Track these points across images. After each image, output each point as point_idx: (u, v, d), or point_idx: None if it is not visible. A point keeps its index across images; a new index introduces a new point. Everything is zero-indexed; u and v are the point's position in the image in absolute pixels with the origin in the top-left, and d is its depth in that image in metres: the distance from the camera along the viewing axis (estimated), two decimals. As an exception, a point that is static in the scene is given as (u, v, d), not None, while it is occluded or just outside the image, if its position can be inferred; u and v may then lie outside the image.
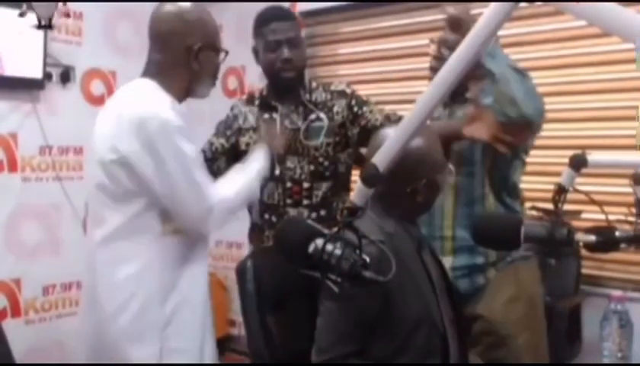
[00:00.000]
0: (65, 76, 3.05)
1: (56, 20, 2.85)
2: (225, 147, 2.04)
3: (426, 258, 1.51)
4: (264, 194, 1.92)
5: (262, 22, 1.97)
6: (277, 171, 1.89)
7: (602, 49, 2.46)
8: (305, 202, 1.96)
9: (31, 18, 2.65)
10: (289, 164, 1.96)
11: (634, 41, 0.66)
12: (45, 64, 2.87)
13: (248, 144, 1.98)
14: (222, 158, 2.03)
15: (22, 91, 2.88)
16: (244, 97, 2.11)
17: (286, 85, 1.97)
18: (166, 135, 1.47)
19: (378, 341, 1.39)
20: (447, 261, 1.79)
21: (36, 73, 2.84)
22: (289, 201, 1.97)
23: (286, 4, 3.42)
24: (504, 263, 1.80)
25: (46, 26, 2.66)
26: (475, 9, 2.74)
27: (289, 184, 1.96)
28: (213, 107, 3.52)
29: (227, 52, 1.70)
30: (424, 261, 1.49)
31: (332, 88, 2.04)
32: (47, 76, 2.93)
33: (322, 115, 1.98)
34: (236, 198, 1.62)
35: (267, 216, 2.00)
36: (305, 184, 1.96)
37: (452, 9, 1.71)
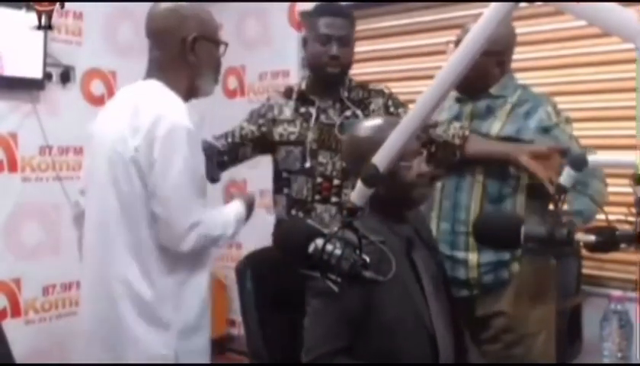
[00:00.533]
0: (65, 76, 3.05)
1: (55, 20, 2.86)
2: (255, 134, 2.04)
3: (416, 258, 1.51)
4: (292, 189, 1.95)
5: (317, 14, 1.97)
6: (308, 164, 1.91)
7: (602, 49, 2.46)
8: (334, 199, 1.94)
9: (31, 18, 2.65)
10: (322, 159, 1.94)
11: (634, 41, 0.66)
12: (45, 64, 2.87)
13: (281, 135, 1.99)
14: (249, 144, 2.04)
15: (22, 91, 2.88)
16: (282, 90, 2.10)
17: (328, 81, 1.98)
18: (177, 136, 1.46)
19: (363, 339, 1.39)
20: (472, 258, 1.83)
21: (36, 73, 2.84)
22: (317, 197, 1.95)
23: (287, 4, 3.44)
24: (527, 257, 1.82)
25: (46, 26, 2.67)
26: (475, 9, 2.75)
27: (319, 180, 1.94)
28: (214, 107, 3.54)
29: (226, 45, 1.68)
30: (414, 260, 1.50)
31: (370, 86, 2.06)
32: (47, 76, 2.93)
33: (358, 112, 1.98)
34: (214, 228, 1.57)
35: (293, 211, 1.98)
36: (336, 181, 1.94)
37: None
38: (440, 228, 1.89)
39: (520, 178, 1.81)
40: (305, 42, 2.03)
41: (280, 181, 2.00)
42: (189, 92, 1.61)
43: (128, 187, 1.50)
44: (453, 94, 2.02)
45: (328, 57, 1.91)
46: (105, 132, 1.58)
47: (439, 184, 1.91)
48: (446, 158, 1.84)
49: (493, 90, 1.90)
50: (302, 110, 2.00)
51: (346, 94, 1.99)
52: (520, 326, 1.81)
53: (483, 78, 1.86)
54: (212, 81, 1.67)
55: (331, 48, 1.91)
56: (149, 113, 1.48)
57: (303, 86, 2.03)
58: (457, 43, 1.78)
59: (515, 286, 1.83)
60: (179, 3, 1.60)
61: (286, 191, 1.97)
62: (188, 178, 1.48)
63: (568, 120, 1.87)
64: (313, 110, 1.98)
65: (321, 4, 2.03)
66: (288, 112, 2.02)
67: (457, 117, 1.95)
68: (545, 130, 1.80)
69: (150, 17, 1.61)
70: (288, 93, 2.07)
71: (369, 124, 1.56)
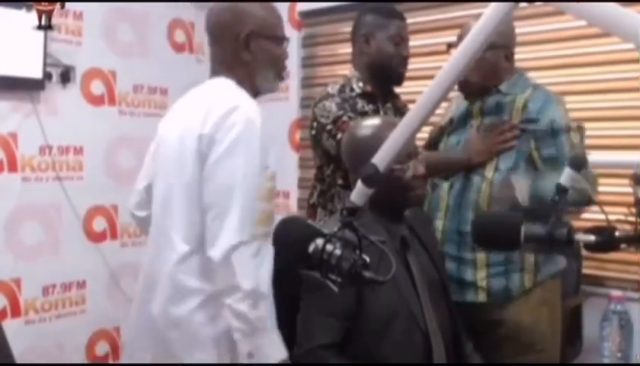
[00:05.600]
0: (65, 76, 3.04)
1: (55, 20, 2.85)
2: None
3: (410, 258, 1.52)
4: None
5: (388, 14, 2.04)
6: None
7: (602, 49, 2.46)
8: None
9: (31, 18, 2.65)
10: None
11: (634, 41, 0.66)
12: (45, 64, 2.86)
13: None
14: None
15: (22, 91, 2.88)
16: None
17: (398, 80, 2.06)
18: (249, 130, 1.41)
19: (354, 336, 1.40)
20: (480, 258, 1.81)
21: (36, 73, 2.84)
22: None
23: (287, 4, 3.44)
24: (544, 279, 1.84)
25: (46, 26, 2.67)
26: (475, 9, 2.75)
27: None
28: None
29: (287, 40, 1.62)
30: (407, 259, 1.50)
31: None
32: (47, 76, 2.93)
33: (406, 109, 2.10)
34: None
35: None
36: None
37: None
38: (445, 228, 1.89)
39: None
40: (366, 38, 2.03)
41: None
42: (252, 90, 1.56)
43: (190, 176, 1.44)
44: (457, 93, 2.03)
45: (402, 58, 2.02)
46: (174, 125, 1.54)
47: (445, 185, 1.92)
48: None
49: (503, 87, 1.90)
50: (368, 108, 2.02)
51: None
52: (526, 336, 1.79)
53: (493, 73, 1.88)
54: (273, 78, 1.60)
55: (405, 49, 2.02)
56: (221, 105, 1.43)
57: (362, 83, 2.04)
58: (459, 40, 1.79)
59: (525, 296, 1.81)
60: (233, 2, 1.57)
61: None
62: (250, 172, 1.39)
63: (580, 129, 1.88)
64: (381, 109, 2.05)
65: (385, 5, 2.10)
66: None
67: (466, 115, 1.97)
68: (554, 132, 1.80)
69: (208, 14, 1.59)
70: (342, 89, 2.05)
71: (369, 123, 1.57)
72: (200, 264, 1.42)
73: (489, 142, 1.83)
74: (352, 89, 2.03)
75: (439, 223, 1.90)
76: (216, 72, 1.58)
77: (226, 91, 1.50)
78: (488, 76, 1.87)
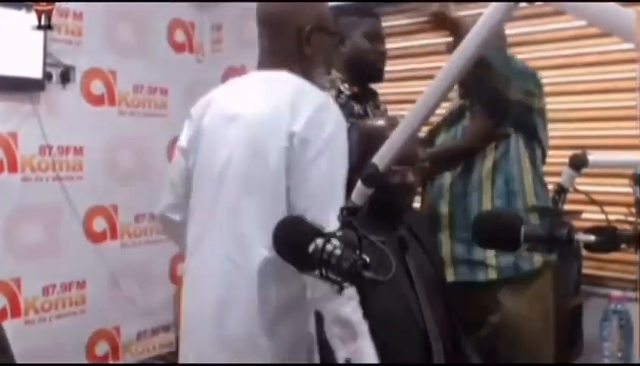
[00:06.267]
0: (65, 76, 3.05)
1: (55, 20, 2.86)
2: None
3: (408, 257, 1.52)
4: None
5: (361, 13, 2.06)
6: None
7: (602, 49, 2.46)
8: None
9: (31, 18, 2.65)
10: None
11: (633, 41, 0.65)
12: (45, 64, 2.87)
13: None
14: None
15: (22, 91, 2.88)
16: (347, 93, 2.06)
17: (377, 77, 2.07)
18: (340, 126, 1.37)
19: None
20: (490, 253, 1.86)
21: (36, 73, 2.84)
22: None
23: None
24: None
25: (46, 26, 2.67)
26: (475, 9, 2.75)
27: None
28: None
29: (342, 37, 1.62)
30: (405, 260, 1.51)
31: None
32: (47, 76, 2.93)
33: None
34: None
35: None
36: None
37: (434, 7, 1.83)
38: (451, 212, 1.93)
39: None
40: (341, 40, 2.00)
41: None
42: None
43: (274, 175, 1.34)
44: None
45: (379, 54, 2.00)
46: (236, 116, 1.42)
47: (448, 178, 1.96)
48: None
49: None
50: (357, 109, 2.02)
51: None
52: (521, 324, 1.83)
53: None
54: (324, 73, 1.58)
55: (380, 45, 2.01)
56: (311, 101, 1.36)
57: (345, 86, 2.03)
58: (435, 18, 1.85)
59: (534, 276, 1.88)
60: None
61: None
62: (342, 175, 1.34)
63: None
64: (368, 109, 2.04)
65: (356, 5, 2.11)
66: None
67: (461, 110, 2.03)
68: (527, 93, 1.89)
69: (265, 6, 1.52)
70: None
71: (377, 122, 1.58)
72: (281, 270, 1.26)
73: (483, 126, 1.90)
74: (340, 91, 2.04)
75: (443, 209, 1.94)
76: (269, 64, 1.49)
77: (306, 86, 1.42)
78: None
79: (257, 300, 1.35)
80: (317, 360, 1.41)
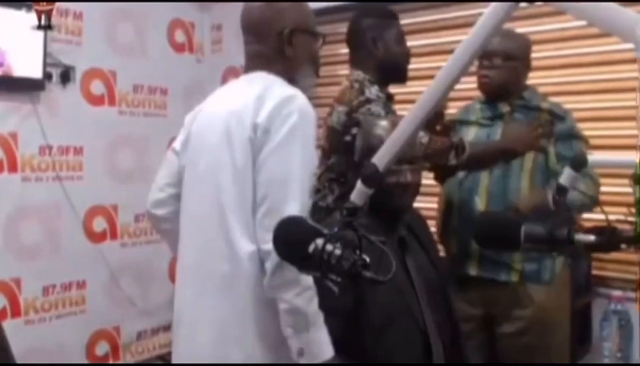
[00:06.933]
0: (65, 76, 3.05)
1: (55, 20, 2.86)
2: None
3: (409, 258, 1.52)
4: None
5: (387, 16, 2.11)
6: None
7: (602, 49, 2.46)
8: None
9: (31, 18, 2.65)
10: None
11: (633, 41, 0.65)
12: (45, 64, 2.87)
13: None
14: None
15: (22, 91, 2.88)
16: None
17: (404, 78, 2.11)
18: (305, 120, 1.38)
19: (353, 334, 1.40)
20: (517, 257, 1.92)
21: (36, 73, 2.84)
22: None
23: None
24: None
25: (46, 26, 2.67)
26: (475, 9, 2.75)
27: None
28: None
29: (324, 36, 1.63)
30: (406, 260, 1.51)
31: None
32: (47, 76, 2.93)
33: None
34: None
35: None
36: None
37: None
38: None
39: None
40: (374, 42, 2.05)
41: None
42: (291, 85, 1.53)
43: (242, 166, 1.39)
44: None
45: (407, 56, 2.07)
46: (216, 117, 1.48)
47: (485, 177, 2.00)
48: (442, 162, 1.91)
49: (525, 94, 2.06)
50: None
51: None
52: (550, 318, 1.90)
53: (516, 83, 2.04)
54: (311, 74, 1.60)
55: (406, 48, 2.07)
56: (275, 94, 1.40)
57: (376, 87, 2.03)
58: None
59: (553, 280, 1.93)
60: (266, 1, 1.56)
61: None
62: (302, 166, 1.37)
63: (587, 143, 2.05)
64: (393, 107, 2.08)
65: (381, 8, 2.14)
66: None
67: (498, 116, 2.06)
68: (573, 137, 1.98)
69: (245, 12, 1.58)
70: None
71: (384, 122, 1.59)
72: (260, 262, 1.35)
73: (530, 134, 1.94)
74: (362, 92, 2.04)
75: (479, 205, 1.97)
76: (253, 67, 1.55)
77: (276, 82, 1.47)
78: (511, 84, 2.02)
79: (246, 293, 1.37)
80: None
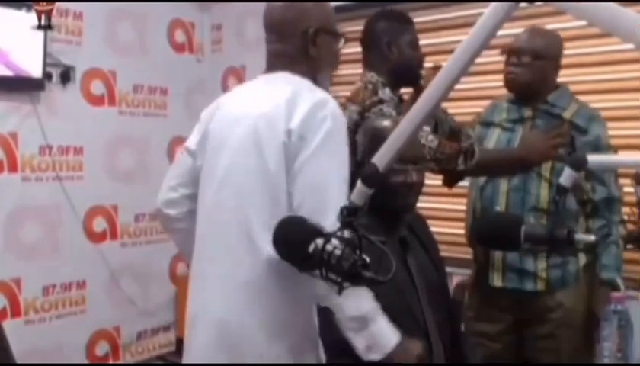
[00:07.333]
0: (65, 76, 3.05)
1: (55, 20, 2.86)
2: None
3: (410, 258, 1.52)
4: None
5: (403, 20, 2.11)
6: None
7: (602, 49, 2.46)
8: None
9: (31, 18, 2.65)
10: None
11: (633, 41, 0.65)
12: (45, 64, 2.87)
13: None
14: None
15: (22, 91, 2.88)
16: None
17: (417, 82, 2.07)
18: (338, 126, 1.37)
19: None
20: (541, 265, 1.94)
21: (36, 73, 2.84)
22: None
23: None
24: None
25: (46, 26, 2.67)
26: (475, 9, 2.75)
27: None
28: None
29: (345, 38, 1.60)
30: (406, 260, 1.51)
31: None
32: (47, 76, 2.93)
33: None
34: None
35: None
36: None
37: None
38: None
39: None
40: (388, 46, 2.04)
41: None
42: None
43: (275, 171, 1.35)
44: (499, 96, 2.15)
45: (421, 60, 2.04)
46: (239, 117, 1.44)
47: (504, 184, 1.99)
48: (450, 167, 1.89)
49: (550, 98, 2.02)
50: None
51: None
52: (579, 320, 1.93)
53: (543, 83, 2.01)
54: (330, 76, 1.57)
55: (420, 52, 2.06)
56: (307, 98, 1.37)
57: (388, 89, 2.02)
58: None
59: (576, 283, 1.96)
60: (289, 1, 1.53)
61: None
62: (339, 173, 1.34)
63: (616, 152, 2.05)
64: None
65: (397, 12, 2.15)
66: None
67: (519, 120, 2.05)
68: (597, 148, 1.93)
69: (269, 10, 1.54)
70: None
71: (386, 121, 1.60)
72: (288, 269, 1.21)
73: (546, 143, 1.90)
74: (375, 93, 2.05)
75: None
76: (275, 66, 1.51)
77: (304, 84, 1.44)
78: (538, 85, 1.99)
79: (263, 299, 1.35)
80: (323, 360, 1.41)
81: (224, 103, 1.55)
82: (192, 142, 1.57)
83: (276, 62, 1.51)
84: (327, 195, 1.30)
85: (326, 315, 1.36)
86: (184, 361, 1.50)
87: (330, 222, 1.22)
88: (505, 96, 2.14)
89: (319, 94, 1.40)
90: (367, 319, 1.29)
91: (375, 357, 1.30)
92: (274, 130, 1.36)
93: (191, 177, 1.54)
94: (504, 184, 1.99)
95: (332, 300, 1.28)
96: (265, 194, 1.36)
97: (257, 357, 1.35)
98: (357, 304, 1.28)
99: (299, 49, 1.48)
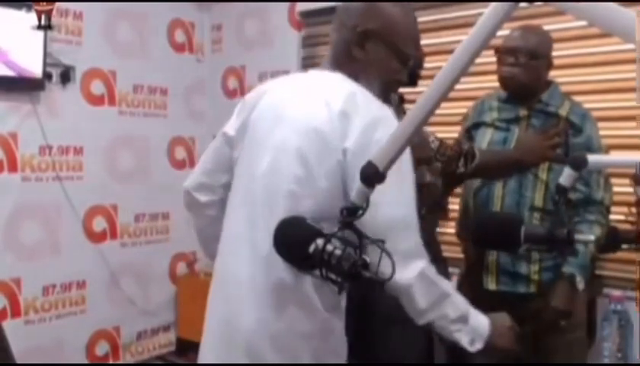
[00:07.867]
0: (65, 76, 3.05)
1: (55, 20, 2.86)
2: None
3: None
4: None
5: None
6: None
7: (602, 49, 2.46)
8: None
9: (31, 18, 2.65)
10: None
11: (633, 41, 0.65)
12: (45, 64, 2.87)
13: None
14: None
15: (22, 91, 2.88)
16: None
17: (416, 81, 2.01)
18: None
19: (355, 333, 1.40)
20: (534, 254, 1.91)
21: (36, 73, 2.84)
22: None
23: (287, 4, 3.45)
24: None
25: (45, 26, 2.67)
26: (475, 9, 2.75)
27: None
28: (214, 106, 3.53)
29: (414, 59, 1.42)
30: None
31: None
32: (47, 76, 2.93)
33: None
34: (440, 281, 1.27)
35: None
36: None
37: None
38: None
39: None
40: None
41: None
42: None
43: (328, 188, 1.25)
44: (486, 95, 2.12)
45: (421, 61, 1.97)
46: (291, 114, 1.32)
47: (498, 183, 1.97)
48: (451, 170, 1.87)
49: (544, 97, 1.99)
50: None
51: None
52: (572, 319, 1.91)
53: (536, 82, 1.98)
54: (377, 90, 1.34)
55: (421, 52, 1.97)
56: (362, 112, 1.25)
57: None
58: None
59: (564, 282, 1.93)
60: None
61: None
62: (408, 190, 1.26)
63: (607, 152, 2.03)
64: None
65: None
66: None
67: (514, 119, 2.02)
68: (589, 149, 1.90)
69: (341, 5, 1.42)
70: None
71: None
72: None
73: (542, 144, 1.89)
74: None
75: None
76: (327, 63, 1.39)
77: (358, 93, 1.29)
78: (531, 85, 1.97)
79: (296, 303, 1.28)
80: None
81: (268, 92, 1.41)
82: (231, 126, 1.44)
83: (329, 58, 1.39)
84: (407, 225, 1.25)
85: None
86: (200, 356, 1.41)
87: (412, 247, 1.24)
88: (492, 95, 2.11)
89: (374, 107, 1.28)
90: (466, 315, 1.29)
91: (479, 346, 1.29)
92: (327, 147, 1.25)
93: (227, 165, 1.43)
94: (499, 189, 1.96)
95: (438, 311, 1.27)
96: (317, 209, 1.24)
97: (279, 356, 1.28)
98: (454, 306, 1.28)
99: (344, 47, 1.35)
